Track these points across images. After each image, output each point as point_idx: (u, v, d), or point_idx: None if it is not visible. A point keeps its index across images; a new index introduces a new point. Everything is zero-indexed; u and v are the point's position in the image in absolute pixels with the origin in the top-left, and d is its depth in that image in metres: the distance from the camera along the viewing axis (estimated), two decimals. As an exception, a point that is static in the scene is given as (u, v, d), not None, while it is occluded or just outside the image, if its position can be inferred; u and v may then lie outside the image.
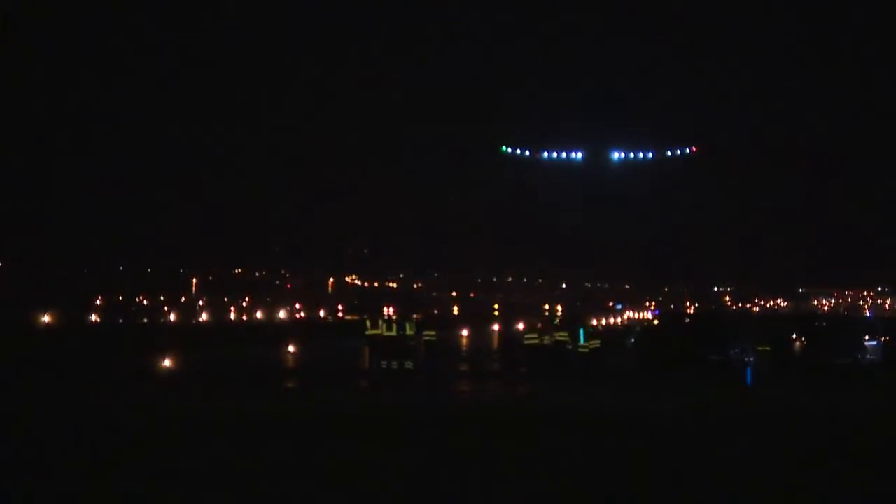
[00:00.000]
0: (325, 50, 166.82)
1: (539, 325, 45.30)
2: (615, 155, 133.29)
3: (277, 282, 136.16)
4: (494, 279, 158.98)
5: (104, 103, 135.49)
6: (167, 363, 37.45)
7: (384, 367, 39.09)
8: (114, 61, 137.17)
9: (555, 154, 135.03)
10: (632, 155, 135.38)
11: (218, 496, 15.45)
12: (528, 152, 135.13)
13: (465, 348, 56.01)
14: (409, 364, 39.26)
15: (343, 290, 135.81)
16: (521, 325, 56.87)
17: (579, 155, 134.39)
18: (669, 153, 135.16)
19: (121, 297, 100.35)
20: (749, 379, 37.66)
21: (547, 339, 42.37)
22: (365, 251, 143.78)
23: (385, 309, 70.31)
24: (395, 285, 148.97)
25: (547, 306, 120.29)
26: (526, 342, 42.50)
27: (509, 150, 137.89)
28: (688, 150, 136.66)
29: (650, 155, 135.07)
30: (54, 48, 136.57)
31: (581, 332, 42.62)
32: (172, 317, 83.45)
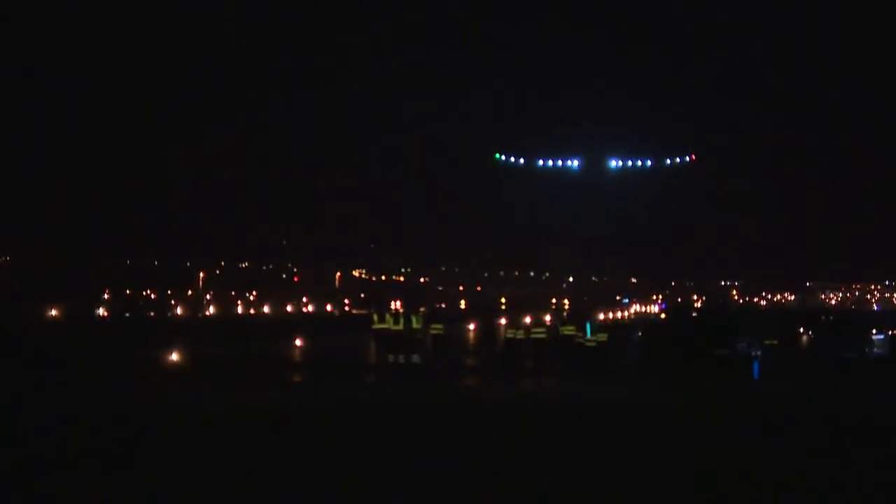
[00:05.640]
0: (333, 48, 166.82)
1: (547, 319, 45.27)
2: (616, 162, 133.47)
3: (284, 276, 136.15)
4: (501, 273, 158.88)
5: (111, 99, 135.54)
6: (174, 356, 37.46)
7: (391, 361, 39.06)
8: (120, 58, 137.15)
9: (551, 162, 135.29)
10: (630, 163, 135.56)
11: (221, 491, 15.46)
12: (522, 160, 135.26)
13: (471, 342, 55.95)
14: (416, 358, 39.21)
15: (350, 284, 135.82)
16: (528, 319, 56.81)
17: (583, 159, 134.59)
18: (668, 161, 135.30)
19: (128, 291, 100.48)
20: (756, 373, 37.60)
21: (538, 333, 42.42)
22: (372, 245, 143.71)
23: (392, 303, 70.34)
24: (401, 279, 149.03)
25: (554, 300, 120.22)
26: (533, 336, 42.46)
27: (503, 157, 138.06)
28: (687, 158, 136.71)
29: (649, 163, 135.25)
30: (59, 44, 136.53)
31: (588, 325, 42.59)
32: (179, 310, 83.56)
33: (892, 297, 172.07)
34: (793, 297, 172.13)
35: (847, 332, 47.36)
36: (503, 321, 62.88)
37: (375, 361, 40.36)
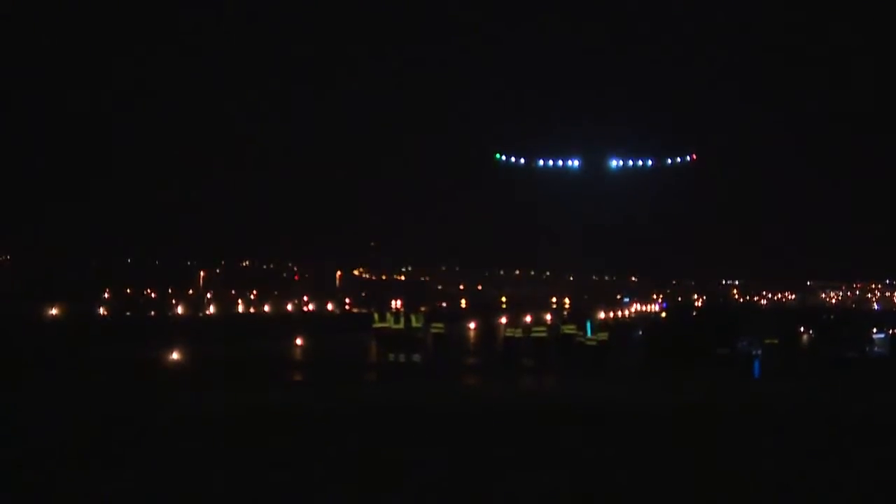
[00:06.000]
0: (333, 48, 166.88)
1: (548, 318, 45.25)
2: (616, 162, 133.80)
3: (285, 274, 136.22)
4: (501, 272, 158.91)
5: (111, 97, 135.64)
6: (174, 355, 37.47)
7: (392, 360, 39.10)
8: (119, 56, 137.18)
9: (551, 162, 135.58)
10: (631, 163, 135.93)
11: (221, 491, 15.48)
12: (522, 160, 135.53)
13: (472, 341, 55.95)
14: (416, 357, 39.27)
15: (351, 283, 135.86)
16: (528, 318, 56.79)
17: (583, 159, 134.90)
18: (669, 161, 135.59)
19: (129, 290, 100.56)
20: (756, 372, 37.64)
21: (538, 332, 42.46)
22: (372, 244, 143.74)
23: (393, 302, 70.38)
24: (402, 278, 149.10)
25: (554, 299, 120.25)
26: (533, 334, 42.47)
27: (503, 157, 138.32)
28: (688, 158, 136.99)
29: (650, 162, 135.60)
30: (59, 43, 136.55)
31: (588, 324, 42.60)
32: (180, 309, 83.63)
33: (892, 296, 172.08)
34: (793, 297, 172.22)
35: (847, 331, 47.41)
36: (503, 320, 62.93)
37: (376, 360, 40.39)
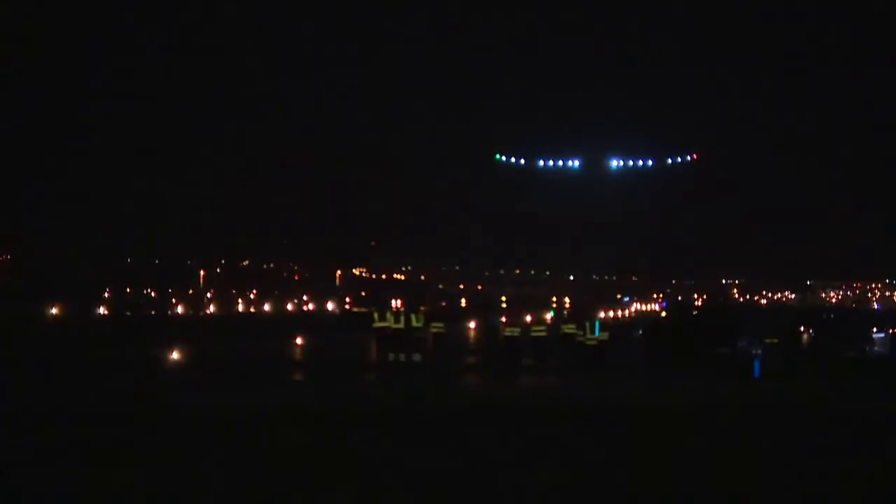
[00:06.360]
0: (334, 48, 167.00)
1: (548, 317, 45.21)
2: (616, 162, 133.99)
3: (285, 274, 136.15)
4: (501, 272, 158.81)
5: (110, 96, 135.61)
6: (174, 355, 37.47)
7: (392, 359, 39.11)
8: (117, 55, 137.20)
9: (551, 162, 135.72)
10: (631, 163, 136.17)
11: (221, 491, 15.47)
12: (522, 160, 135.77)
13: (472, 341, 55.95)
14: (416, 357, 39.28)
15: (351, 283, 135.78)
16: (528, 318, 56.78)
17: (583, 159, 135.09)
18: (670, 161, 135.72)
19: (129, 290, 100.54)
20: (756, 371, 37.63)
21: (538, 331, 42.41)
22: (372, 243, 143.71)
23: (393, 302, 70.32)
24: (403, 278, 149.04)
25: (554, 299, 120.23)
26: (533, 334, 42.44)
27: (503, 157, 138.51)
28: (689, 158, 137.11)
29: (650, 163, 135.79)
30: (59, 42, 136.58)
31: (587, 324, 42.60)
32: (180, 309, 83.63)
33: (892, 295, 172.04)
34: (793, 296, 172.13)
35: (847, 331, 47.39)
36: (504, 319, 62.78)
37: (376, 360, 40.40)
